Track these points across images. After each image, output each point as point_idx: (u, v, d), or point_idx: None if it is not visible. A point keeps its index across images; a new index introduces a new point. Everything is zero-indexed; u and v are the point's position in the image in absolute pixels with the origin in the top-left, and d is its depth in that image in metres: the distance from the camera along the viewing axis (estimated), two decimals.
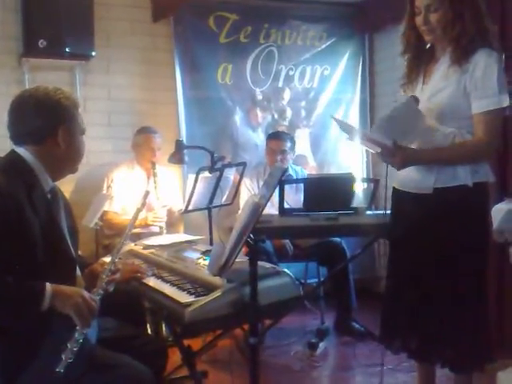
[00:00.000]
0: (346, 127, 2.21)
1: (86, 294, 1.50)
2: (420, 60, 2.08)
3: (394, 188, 2.18)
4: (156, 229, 3.43)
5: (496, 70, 1.89)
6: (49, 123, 1.60)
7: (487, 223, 2.03)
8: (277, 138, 3.64)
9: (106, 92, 3.84)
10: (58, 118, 1.60)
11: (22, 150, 1.59)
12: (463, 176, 1.95)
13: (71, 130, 1.63)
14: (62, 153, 1.62)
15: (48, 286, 1.45)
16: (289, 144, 3.64)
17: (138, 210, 1.83)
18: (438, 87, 1.99)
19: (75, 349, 1.42)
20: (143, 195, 1.87)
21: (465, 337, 1.97)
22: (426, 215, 2.00)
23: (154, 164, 3.46)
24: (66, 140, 1.62)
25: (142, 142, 3.54)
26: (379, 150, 2.00)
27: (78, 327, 1.45)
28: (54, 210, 1.61)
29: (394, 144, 1.93)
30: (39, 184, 1.57)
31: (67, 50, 3.48)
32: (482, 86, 1.90)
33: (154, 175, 3.43)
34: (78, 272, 1.68)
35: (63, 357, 1.40)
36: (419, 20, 1.99)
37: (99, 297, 1.56)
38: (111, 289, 1.66)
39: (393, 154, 1.96)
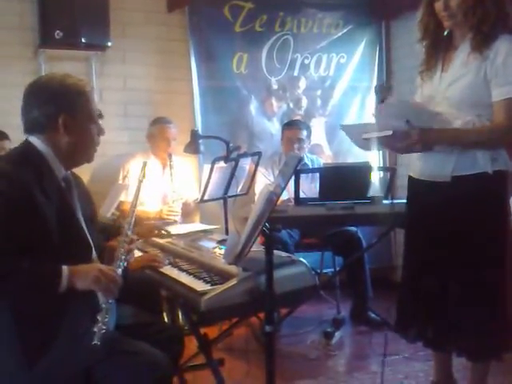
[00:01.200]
0: (354, 131, 2.18)
1: (102, 266, 1.54)
2: (438, 47, 2.05)
3: (409, 176, 2.16)
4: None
5: None
6: (46, 112, 1.57)
7: (506, 211, 2.00)
8: (293, 127, 3.63)
9: (121, 82, 3.85)
10: (55, 107, 1.57)
11: (34, 139, 1.60)
12: (483, 164, 1.92)
13: (73, 118, 1.59)
14: (68, 142, 1.60)
15: (64, 267, 1.47)
16: (305, 132, 3.62)
17: (140, 182, 1.83)
18: (457, 75, 1.96)
19: (106, 319, 1.46)
20: (142, 166, 1.85)
21: (482, 325, 1.95)
22: (443, 204, 1.98)
23: (170, 156, 3.46)
24: (69, 129, 1.59)
25: (157, 132, 3.55)
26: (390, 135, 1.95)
27: (103, 300, 1.50)
28: (68, 197, 1.62)
29: (407, 123, 1.88)
30: (51, 172, 1.58)
31: (83, 40, 3.50)
32: (504, 73, 1.87)
33: (171, 167, 3.44)
34: (95, 256, 1.69)
35: (96, 329, 1.44)
36: (439, 5, 1.96)
37: (120, 268, 1.59)
38: (131, 259, 1.71)
39: (407, 135, 1.91)
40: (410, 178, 2.16)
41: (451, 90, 1.96)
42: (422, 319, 2.09)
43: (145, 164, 1.87)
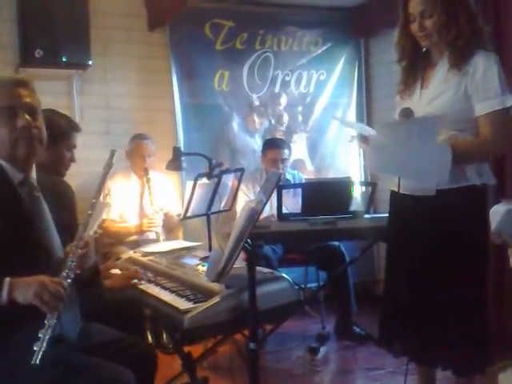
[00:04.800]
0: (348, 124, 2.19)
1: (46, 279, 1.46)
2: (416, 66, 2.08)
3: (392, 191, 2.17)
4: (153, 234, 3.42)
5: (496, 71, 1.90)
6: None
7: (488, 225, 2.02)
8: (276, 148, 3.64)
9: (103, 100, 3.85)
10: None
11: None
12: (470, 177, 1.94)
13: None
14: None
15: (6, 279, 1.44)
16: (287, 151, 3.67)
17: (105, 173, 1.74)
18: (437, 91, 1.99)
19: (47, 337, 1.40)
20: (109, 155, 1.75)
21: (465, 339, 1.96)
22: (427, 217, 1.98)
23: (146, 170, 3.48)
24: None
25: (133, 149, 3.56)
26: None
27: (47, 316, 1.43)
28: (27, 200, 1.61)
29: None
30: (6, 176, 1.59)
31: (64, 59, 3.49)
32: (484, 88, 1.90)
33: (148, 181, 3.44)
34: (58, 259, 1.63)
35: (36, 347, 1.38)
36: (414, 27, 2.00)
37: (69, 278, 1.51)
38: (87, 265, 1.61)
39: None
40: (393, 193, 2.16)
41: (432, 106, 1.98)
42: (405, 333, 2.10)
43: (113, 152, 1.76)
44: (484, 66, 1.90)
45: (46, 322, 1.42)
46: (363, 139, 2.10)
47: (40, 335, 1.40)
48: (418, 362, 2.19)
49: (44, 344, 1.38)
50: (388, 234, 2.22)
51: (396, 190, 2.11)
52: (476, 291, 1.98)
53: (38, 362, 1.36)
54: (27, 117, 1.61)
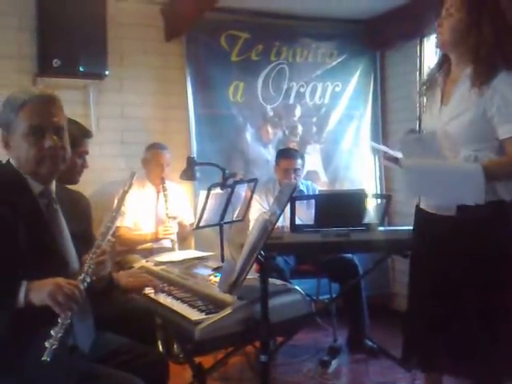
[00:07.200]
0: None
1: (61, 280, 1.47)
2: (440, 70, 2.04)
3: (417, 206, 2.10)
4: (167, 242, 3.44)
5: None
6: None
7: None
8: (289, 158, 3.65)
9: (119, 110, 3.88)
10: None
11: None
12: (498, 192, 1.88)
13: (11, 135, 1.63)
14: (13, 158, 1.64)
15: (24, 282, 1.46)
16: (300, 161, 3.66)
17: (125, 192, 1.73)
18: (457, 110, 1.93)
19: (60, 335, 1.42)
20: (129, 176, 1.76)
21: (495, 354, 1.89)
22: (454, 233, 1.92)
23: (163, 179, 3.50)
24: (11, 146, 1.64)
25: (150, 158, 3.59)
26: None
27: (60, 316, 1.45)
28: (46, 211, 1.63)
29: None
30: (26, 188, 1.62)
31: (81, 69, 3.53)
32: (507, 111, 1.84)
33: (164, 189, 3.47)
34: (74, 270, 1.65)
35: (47, 344, 1.39)
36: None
37: (85, 282, 1.53)
38: (103, 272, 1.63)
39: None
40: (418, 208, 2.09)
41: (452, 125, 1.93)
42: (433, 348, 2.00)
43: (133, 174, 1.77)
44: (506, 88, 1.83)
45: (59, 320, 1.44)
46: (393, 160, 2.02)
47: (52, 333, 1.41)
48: (449, 374, 2.12)
49: (55, 342, 1.40)
50: (412, 250, 2.16)
51: (420, 205, 2.06)
52: (506, 307, 1.91)
53: (48, 358, 1.38)
54: (54, 137, 1.63)
